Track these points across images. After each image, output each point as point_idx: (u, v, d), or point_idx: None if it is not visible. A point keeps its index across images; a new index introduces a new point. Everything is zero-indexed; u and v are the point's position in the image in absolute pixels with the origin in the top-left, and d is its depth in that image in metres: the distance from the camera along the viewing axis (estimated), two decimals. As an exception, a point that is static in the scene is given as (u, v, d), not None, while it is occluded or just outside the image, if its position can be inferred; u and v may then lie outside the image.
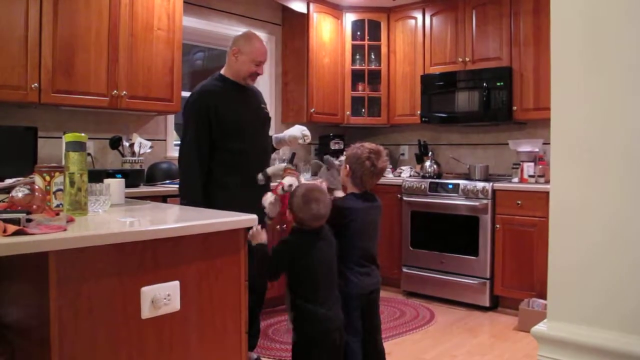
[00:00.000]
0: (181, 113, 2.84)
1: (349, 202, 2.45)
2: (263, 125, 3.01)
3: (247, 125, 2.85)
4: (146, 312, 1.57)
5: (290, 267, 2.22)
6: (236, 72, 2.86)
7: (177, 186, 2.96)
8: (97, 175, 2.57)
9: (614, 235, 1.07)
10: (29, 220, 1.52)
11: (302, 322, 2.21)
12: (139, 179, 3.49)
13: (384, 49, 5.13)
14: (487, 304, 4.08)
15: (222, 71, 2.92)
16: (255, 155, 2.87)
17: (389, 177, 4.89)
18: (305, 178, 4.74)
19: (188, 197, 2.70)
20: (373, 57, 5.19)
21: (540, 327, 1.16)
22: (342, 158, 2.62)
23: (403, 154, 5.42)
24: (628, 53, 1.05)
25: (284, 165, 2.51)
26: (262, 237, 2.24)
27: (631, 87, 1.05)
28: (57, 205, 1.89)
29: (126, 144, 3.65)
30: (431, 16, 4.82)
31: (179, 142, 2.87)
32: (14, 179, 2.28)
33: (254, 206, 2.28)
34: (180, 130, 2.92)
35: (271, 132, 3.19)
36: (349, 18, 5.10)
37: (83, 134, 1.85)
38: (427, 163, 4.77)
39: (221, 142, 2.77)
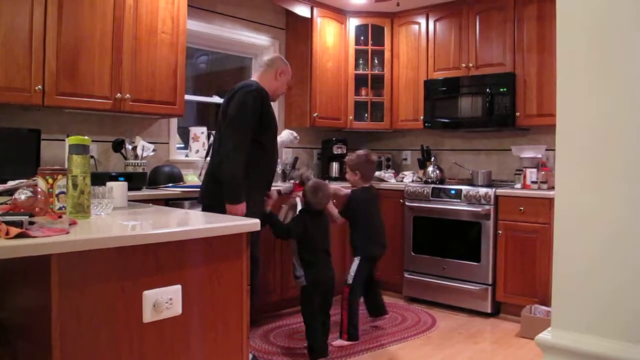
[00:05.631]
0: (234, 105, 2.92)
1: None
2: None
3: (276, 133, 3.18)
4: (148, 316, 1.57)
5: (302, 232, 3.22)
6: (275, 89, 3.13)
7: (198, 182, 3.29)
8: (100, 178, 2.57)
9: (620, 243, 1.06)
10: (31, 223, 1.52)
11: (308, 270, 3.19)
12: (142, 182, 3.48)
13: (387, 54, 5.13)
14: (489, 310, 4.06)
15: (257, 80, 3.08)
16: (277, 159, 3.27)
17: (391, 182, 4.89)
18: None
19: (238, 191, 2.82)
20: (376, 62, 5.19)
21: (545, 336, 1.15)
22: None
23: (406, 159, 5.41)
24: (635, 60, 1.04)
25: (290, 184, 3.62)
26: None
27: (638, 94, 1.04)
28: (60, 208, 1.89)
29: (129, 146, 3.66)
30: (435, 21, 4.82)
31: (229, 133, 2.89)
32: (17, 181, 2.29)
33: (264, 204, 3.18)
34: (217, 122, 3.14)
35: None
36: (353, 23, 5.11)
37: (86, 137, 1.85)
38: (430, 168, 4.75)
39: (260, 139, 2.95)
